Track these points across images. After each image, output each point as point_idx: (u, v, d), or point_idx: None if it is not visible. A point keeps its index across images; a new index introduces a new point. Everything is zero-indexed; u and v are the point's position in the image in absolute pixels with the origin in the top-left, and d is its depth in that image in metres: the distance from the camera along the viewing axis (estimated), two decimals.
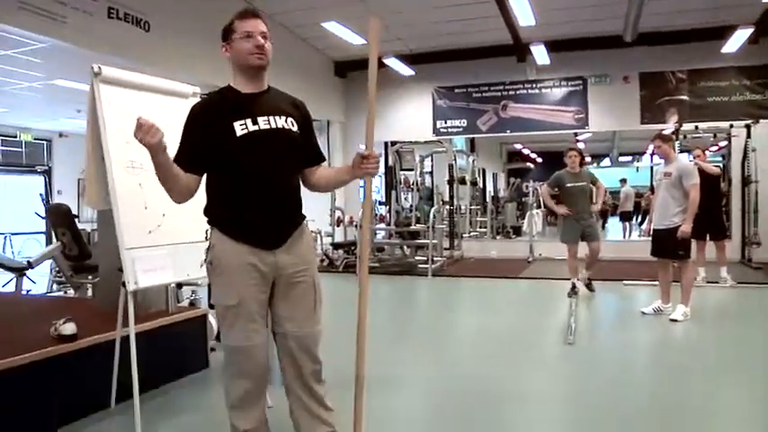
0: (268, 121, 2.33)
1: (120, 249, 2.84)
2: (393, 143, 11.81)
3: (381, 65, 10.76)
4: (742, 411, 3.47)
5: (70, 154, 13.39)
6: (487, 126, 11.55)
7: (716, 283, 7.36)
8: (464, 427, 3.20)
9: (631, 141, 16.75)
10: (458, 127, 11.75)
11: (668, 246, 5.73)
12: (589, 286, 7.10)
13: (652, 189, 13.70)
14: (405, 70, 11.01)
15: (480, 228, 14.03)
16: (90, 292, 5.38)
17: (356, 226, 10.28)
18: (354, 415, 2.38)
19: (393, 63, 10.68)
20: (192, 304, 4.67)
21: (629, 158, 19.64)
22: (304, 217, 2.47)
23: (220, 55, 2.38)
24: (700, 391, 3.79)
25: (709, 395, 3.70)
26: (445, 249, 10.63)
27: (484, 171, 16.85)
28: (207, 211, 2.38)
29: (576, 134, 16.25)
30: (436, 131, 11.76)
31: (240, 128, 2.26)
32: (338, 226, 10.97)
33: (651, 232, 6.08)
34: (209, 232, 2.39)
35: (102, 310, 3.91)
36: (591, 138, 16.89)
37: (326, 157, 10.63)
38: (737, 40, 9.11)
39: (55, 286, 7.18)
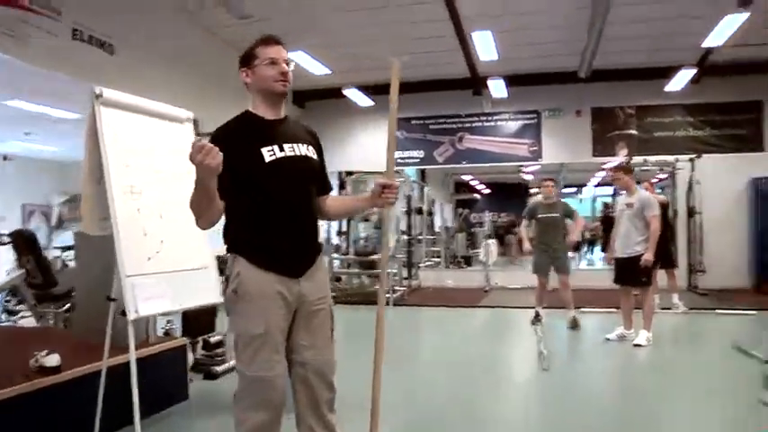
0: (293, 148, 2.34)
1: (120, 277, 2.74)
2: (349, 173, 11.82)
3: (340, 95, 10.85)
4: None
5: (14, 178, 12.84)
6: (444, 157, 11.74)
7: (668, 309, 7.65)
8: None
9: (576, 173, 17.31)
10: (415, 158, 11.90)
11: (631, 274, 5.94)
12: (574, 326, 6.84)
13: (602, 220, 14.18)
14: (364, 101, 11.11)
15: (434, 257, 14.14)
16: (52, 322, 5.12)
17: None
18: None
19: (352, 94, 10.78)
20: (168, 334, 4.53)
21: (574, 190, 20.30)
22: (322, 245, 2.46)
23: (241, 79, 2.38)
24: (668, 410, 3.99)
25: (676, 414, 3.93)
26: (403, 279, 10.67)
27: (433, 201, 17.07)
28: (229, 239, 2.33)
29: (520, 167, 16.73)
30: None
31: (268, 154, 2.25)
32: None
33: (613, 261, 6.30)
34: (228, 259, 2.34)
35: (79, 339, 3.78)
36: (539, 170, 17.41)
37: None
38: (681, 79, 9.67)
39: (4, 316, 6.81)
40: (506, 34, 8.35)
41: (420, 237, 12.62)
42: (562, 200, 7.42)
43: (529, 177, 20.47)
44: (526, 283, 10.92)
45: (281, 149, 2.31)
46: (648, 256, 5.79)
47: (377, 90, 11.16)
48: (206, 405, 4.07)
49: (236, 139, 2.28)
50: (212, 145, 1.94)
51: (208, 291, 3.27)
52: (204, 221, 2.20)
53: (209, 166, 1.93)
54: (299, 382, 2.36)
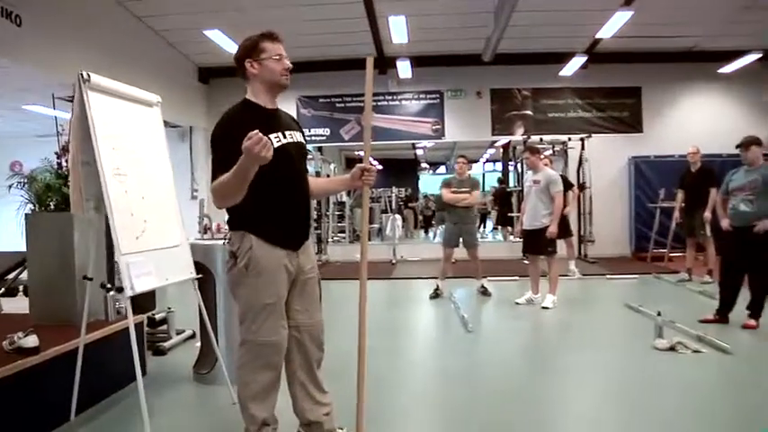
0: (291, 135, 2.62)
1: (116, 255, 2.85)
2: None
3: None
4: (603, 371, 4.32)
5: None
6: (350, 135, 11.99)
7: (565, 275, 8.43)
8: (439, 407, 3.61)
9: (468, 150, 18.12)
10: (321, 136, 12.07)
11: (538, 244, 6.58)
12: (484, 292, 7.47)
13: (495, 194, 14.96)
14: None
15: (339, 233, 14.44)
16: None
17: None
18: (358, 397, 2.68)
19: None
20: (119, 313, 4.54)
21: None
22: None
23: (249, 68, 2.56)
24: (578, 359, 4.67)
25: (586, 361, 4.63)
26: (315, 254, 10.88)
27: None
28: (237, 218, 2.53)
29: (413, 145, 17.22)
30: None
31: (276, 140, 2.49)
32: (206, 233, 10.76)
33: (521, 233, 6.94)
34: (234, 237, 2.55)
35: (40, 323, 3.76)
36: (433, 146, 18.07)
37: (190, 163, 10.37)
38: (573, 65, 10.55)
39: None
40: (415, 18, 8.73)
41: (327, 213, 12.87)
42: (472, 176, 7.63)
43: (420, 153, 21.27)
44: (427, 256, 11.60)
45: (284, 136, 2.56)
46: (553, 228, 6.44)
47: None
48: (163, 380, 4.20)
49: (251, 126, 2.47)
50: (266, 138, 2.14)
51: (183, 267, 3.42)
52: (229, 202, 2.41)
53: (266, 158, 2.14)
54: (294, 344, 2.67)
